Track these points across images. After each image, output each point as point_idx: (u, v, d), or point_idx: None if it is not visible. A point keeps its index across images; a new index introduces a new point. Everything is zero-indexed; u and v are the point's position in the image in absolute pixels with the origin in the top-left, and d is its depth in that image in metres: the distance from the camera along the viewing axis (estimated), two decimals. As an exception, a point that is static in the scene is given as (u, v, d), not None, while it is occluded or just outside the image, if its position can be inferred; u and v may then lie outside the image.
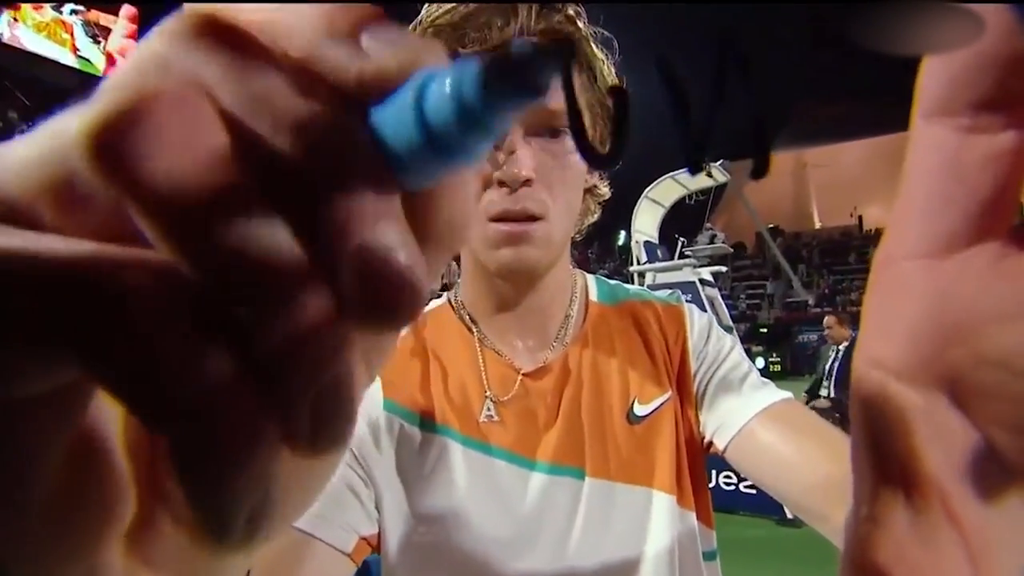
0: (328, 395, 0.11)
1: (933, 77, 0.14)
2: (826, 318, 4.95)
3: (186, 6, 0.12)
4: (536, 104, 0.11)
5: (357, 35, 0.12)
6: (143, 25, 17.90)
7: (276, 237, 0.11)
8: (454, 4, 0.51)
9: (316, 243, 0.11)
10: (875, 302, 0.16)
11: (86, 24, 16.58)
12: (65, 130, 0.11)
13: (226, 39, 0.12)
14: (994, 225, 0.14)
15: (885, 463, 0.16)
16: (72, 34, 16.32)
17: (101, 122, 0.10)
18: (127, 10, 17.41)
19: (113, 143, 0.10)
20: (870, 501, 0.16)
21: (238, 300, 0.11)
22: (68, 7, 16.14)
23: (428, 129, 0.11)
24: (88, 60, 16.69)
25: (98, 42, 16.88)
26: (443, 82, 0.11)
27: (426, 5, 0.52)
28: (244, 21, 0.12)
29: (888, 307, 0.16)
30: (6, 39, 14.95)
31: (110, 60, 17.02)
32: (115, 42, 17.24)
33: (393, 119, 0.11)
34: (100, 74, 16.90)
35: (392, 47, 0.12)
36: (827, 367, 4.77)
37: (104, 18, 17.03)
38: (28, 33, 15.41)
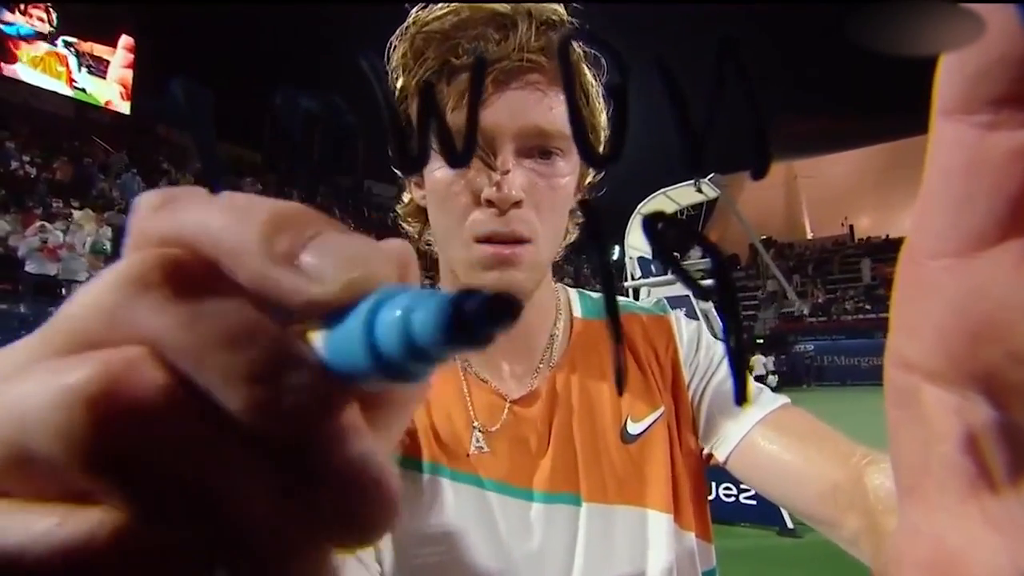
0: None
1: (951, 74, 0.13)
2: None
3: (135, 256, 0.12)
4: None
5: (299, 252, 0.12)
6: (139, 54, 18.08)
7: (255, 477, 0.11)
8: (445, 10, 0.49)
9: (298, 473, 0.12)
10: (902, 304, 0.16)
11: (80, 55, 16.75)
12: (19, 404, 0.11)
13: (175, 287, 0.12)
14: (1020, 222, 0.13)
15: (922, 466, 0.16)
16: (67, 66, 16.48)
17: (67, 421, 0.10)
18: (125, 40, 17.61)
19: (87, 438, 0.10)
20: (910, 503, 0.16)
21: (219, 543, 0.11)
22: (61, 39, 16.31)
23: (378, 356, 0.11)
24: (84, 90, 16.84)
25: (94, 72, 17.04)
26: (394, 314, 0.11)
27: (415, 8, 0.50)
28: (192, 252, 0.12)
29: (916, 308, 0.15)
30: (5, 72, 15.11)
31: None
32: (114, 72, 17.42)
33: (343, 342, 0.12)
34: (99, 104, 17.06)
35: (337, 264, 0.12)
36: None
37: (99, 48, 17.21)
38: (24, 68, 15.56)
